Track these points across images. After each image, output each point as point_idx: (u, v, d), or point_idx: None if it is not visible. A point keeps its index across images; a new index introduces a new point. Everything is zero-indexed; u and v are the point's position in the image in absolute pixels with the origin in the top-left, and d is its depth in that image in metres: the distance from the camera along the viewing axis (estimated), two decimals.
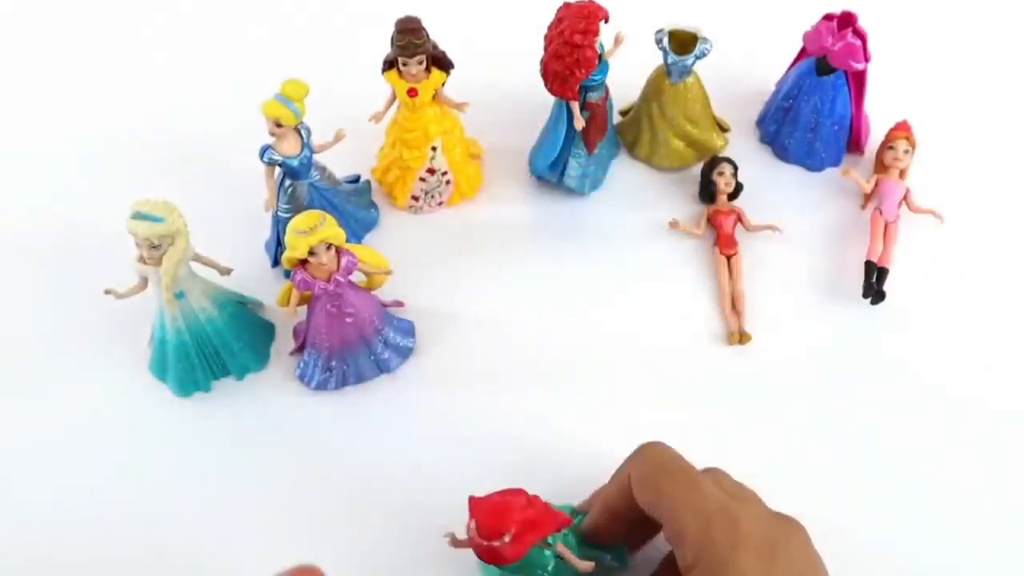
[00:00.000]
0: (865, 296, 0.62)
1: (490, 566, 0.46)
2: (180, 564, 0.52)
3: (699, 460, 0.45)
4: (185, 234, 0.55)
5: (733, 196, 0.68)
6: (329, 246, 0.55)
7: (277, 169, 0.62)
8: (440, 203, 0.70)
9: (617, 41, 0.63)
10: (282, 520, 0.54)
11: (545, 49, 0.63)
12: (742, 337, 0.61)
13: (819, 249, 0.67)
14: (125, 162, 0.74)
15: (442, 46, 0.64)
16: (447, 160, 0.68)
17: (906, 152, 0.67)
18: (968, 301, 0.64)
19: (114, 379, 0.61)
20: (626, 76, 0.69)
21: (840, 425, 0.57)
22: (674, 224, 0.68)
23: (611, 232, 0.69)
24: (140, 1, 0.90)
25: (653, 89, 0.71)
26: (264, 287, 0.64)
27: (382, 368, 0.60)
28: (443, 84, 0.65)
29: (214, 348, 0.59)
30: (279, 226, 0.63)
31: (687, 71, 0.69)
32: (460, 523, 0.46)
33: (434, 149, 0.67)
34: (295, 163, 0.61)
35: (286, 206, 0.62)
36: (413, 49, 0.62)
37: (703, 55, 0.67)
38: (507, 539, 0.41)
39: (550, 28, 0.63)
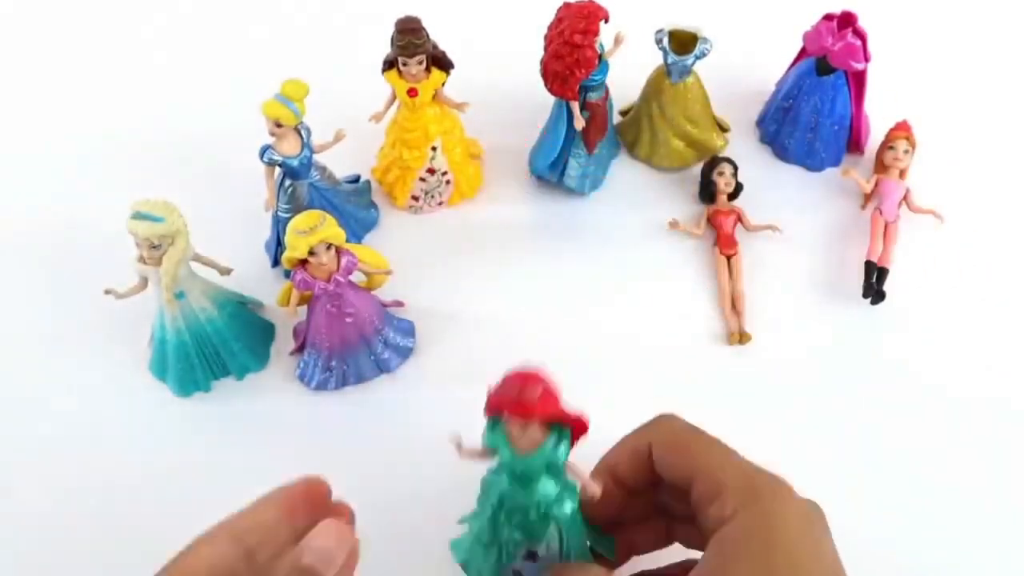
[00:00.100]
0: (865, 296, 0.62)
1: (462, 541, 0.45)
2: None
3: None
4: (185, 234, 0.55)
5: (733, 196, 0.68)
6: (329, 246, 0.55)
7: (277, 169, 0.62)
8: (440, 203, 0.70)
9: (617, 41, 0.63)
10: None
11: (545, 49, 0.63)
12: (742, 337, 0.61)
13: (819, 249, 0.67)
14: (125, 162, 0.74)
15: (442, 46, 0.64)
16: (447, 160, 0.68)
17: (906, 152, 0.67)
18: (968, 301, 0.64)
19: (114, 379, 0.61)
20: (626, 76, 0.69)
21: (840, 425, 0.57)
22: (674, 224, 0.68)
23: (611, 232, 0.69)
24: (140, 1, 0.90)
25: (653, 89, 0.71)
26: (264, 287, 0.64)
27: (382, 368, 0.60)
28: (443, 84, 0.65)
29: (214, 348, 0.59)
30: (279, 226, 0.63)
31: (687, 71, 0.69)
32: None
33: (434, 149, 0.67)
34: (295, 163, 0.61)
35: (286, 206, 0.62)
36: (413, 49, 0.62)
37: (703, 55, 0.67)
38: (538, 391, 0.37)
39: (550, 28, 0.63)
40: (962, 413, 0.58)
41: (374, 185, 0.71)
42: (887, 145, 0.68)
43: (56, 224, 0.70)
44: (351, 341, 0.58)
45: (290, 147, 0.61)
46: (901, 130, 0.68)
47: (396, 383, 0.60)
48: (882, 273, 0.63)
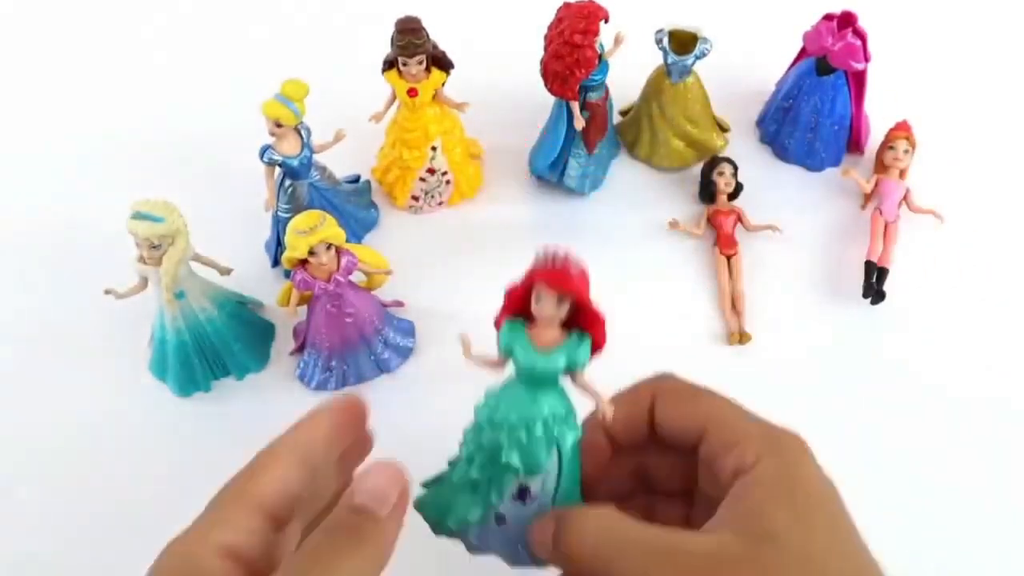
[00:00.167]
0: (865, 296, 0.62)
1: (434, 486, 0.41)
2: None
3: None
4: (185, 234, 0.55)
5: (733, 196, 0.68)
6: (329, 246, 0.55)
7: (277, 169, 0.62)
8: (440, 203, 0.70)
9: (617, 41, 0.63)
10: None
11: (545, 49, 0.63)
12: (742, 337, 0.61)
13: (819, 249, 0.67)
14: (125, 162, 0.74)
15: (442, 46, 0.64)
16: (447, 160, 0.68)
17: (906, 152, 0.67)
18: (968, 301, 0.64)
19: (114, 379, 0.61)
20: (626, 76, 0.69)
21: (840, 425, 0.57)
22: (674, 224, 0.68)
23: (611, 232, 0.69)
24: (140, 1, 0.90)
25: (653, 89, 0.71)
26: (264, 287, 0.64)
27: (382, 368, 0.60)
28: (443, 84, 0.65)
29: (214, 348, 0.59)
30: (279, 226, 0.63)
31: (687, 71, 0.69)
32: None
33: (434, 149, 0.67)
34: (295, 163, 0.61)
35: (286, 206, 0.62)
36: (413, 49, 0.62)
37: (703, 55, 0.67)
38: (577, 268, 0.35)
39: (550, 28, 0.63)
40: (962, 413, 0.58)
41: (374, 185, 0.71)
42: (887, 145, 0.68)
43: (56, 224, 0.70)
44: (351, 341, 0.58)
45: (290, 147, 0.61)
46: (901, 130, 0.68)
47: (396, 383, 0.60)
48: (882, 273, 0.63)
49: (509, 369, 0.37)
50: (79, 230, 0.69)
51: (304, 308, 0.59)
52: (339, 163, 0.66)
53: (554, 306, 0.35)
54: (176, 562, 0.31)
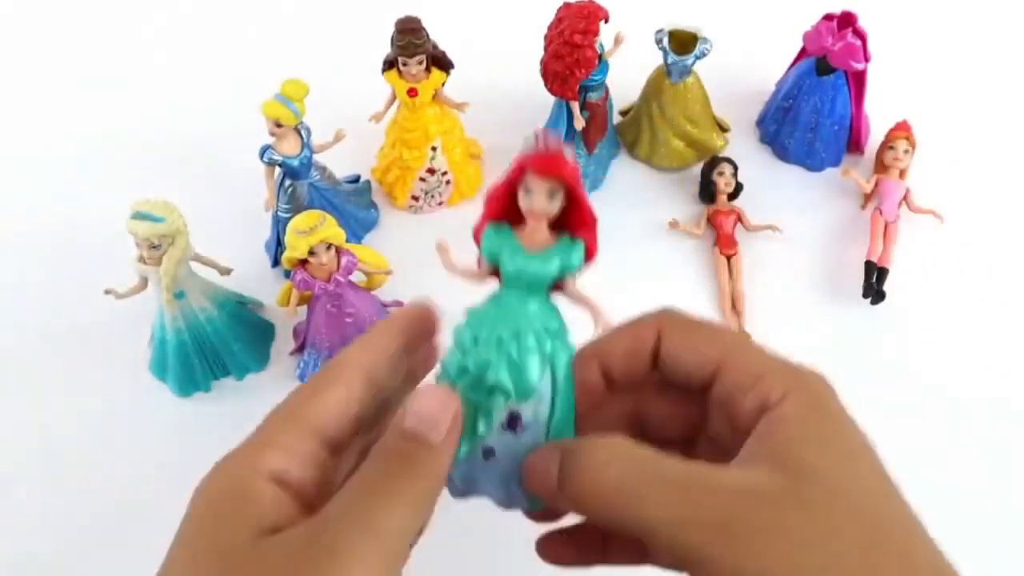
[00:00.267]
0: (865, 296, 0.62)
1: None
2: None
3: None
4: (185, 234, 0.55)
5: (733, 196, 0.68)
6: (329, 246, 0.55)
7: (277, 169, 0.62)
8: (440, 203, 0.70)
9: (617, 41, 0.63)
10: None
11: (545, 49, 0.63)
12: None
13: (819, 249, 0.67)
14: (125, 162, 0.74)
15: (442, 46, 0.64)
16: (447, 160, 0.68)
17: (906, 152, 0.67)
18: (968, 301, 0.64)
19: (114, 379, 0.61)
20: (626, 76, 0.69)
21: None
22: (674, 224, 0.68)
23: (611, 232, 0.68)
24: (140, 1, 0.90)
25: (653, 89, 0.71)
26: (264, 287, 0.64)
27: None
28: (443, 84, 0.65)
29: (214, 348, 0.59)
30: (279, 226, 0.63)
31: (687, 71, 0.69)
32: (459, 520, 0.46)
33: (434, 149, 0.67)
34: (295, 163, 0.61)
35: (286, 206, 0.62)
36: (413, 49, 0.62)
37: (703, 55, 0.67)
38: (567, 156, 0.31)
39: (550, 28, 0.63)
40: (962, 413, 0.58)
41: (374, 185, 0.71)
42: (887, 145, 0.68)
43: (56, 224, 0.70)
44: (351, 341, 0.58)
45: (290, 147, 0.61)
46: (901, 130, 0.68)
47: None
48: (882, 273, 0.63)
49: (492, 286, 0.34)
50: (79, 230, 0.69)
51: (304, 308, 0.59)
52: (339, 163, 0.66)
53: (546, 199, 0.31)
54: (224, 483, 0.29)
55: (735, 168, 0.68)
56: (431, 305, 0.36)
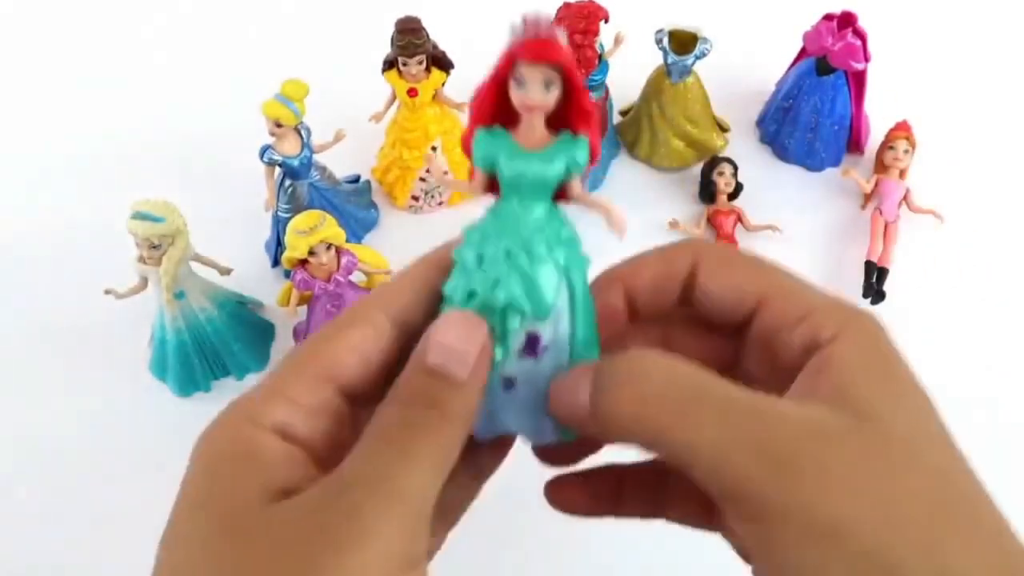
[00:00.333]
0: (865, 296, 0.62)
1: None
2: None
3: None
4: (185, 234, 0.55)
5: (733, 196, 0.68)
6: (329, 246, 0.55)
7: (277, 169, 0.62)
8: (440, 203, 0.70)
9: (617, 41, 0.63)
10: None
11: None
12: None
13: (819, 249, 0.67)
14: (125, 162, 0.74)
15: (442, 46, 0.64)
16: (447, 160, 0.68)
17: (906, 152, 0.67)
18: (968, 301, 0.64)
19: (114, 379, 0.61)
20: (626, 76, 0.69)
21: None
22: (674, 224, 0.68)
23: (611, 232, 0.68)
24: (140, 1, 0.90)
25: (653, 89, 0.71)
26: (264, 287, 0.64)
27: None
28: (443, 84, 0.65)
29: (214, 348, 0.59)
30: (279, 226, 0.63)
31: (687, 71, 0.69)
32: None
33: (434, 149, 0.67)
34: (295, 163, 0.61)
35: (286, 206, 0.62)
36: (413, 49, 0.62)
37: (703, 55, 0.67)
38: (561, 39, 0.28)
39: None
40: (962, 413, 0.58)
41: (374, 185, 0.71)
42: (887, 145, 0.68)
43: (56, 224, 0.70)
44: None
45: (290, 147, 0.61)
46: (901, 130, 0.68)
47: None
48: (882, 273, 0.63)
49: (488, 202, 0.31)
50: (79, 230, 0.69)
51: (304, 308, 0.59)
52: (339, 163, 0.66)
53: (541, 88, 0.27)
54: (224, 440, 0.26)
55: (735, 168, 0.68)
56: None
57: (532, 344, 0.28)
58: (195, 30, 0.87)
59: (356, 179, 0.70)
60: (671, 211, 0.69)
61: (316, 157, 0.63)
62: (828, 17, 0.67)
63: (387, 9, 0.64)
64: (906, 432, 0.26)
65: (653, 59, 0.70)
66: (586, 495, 0.32)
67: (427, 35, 0.62)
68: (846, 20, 0.67)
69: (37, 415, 0.59)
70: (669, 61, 0.68)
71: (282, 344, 0.62)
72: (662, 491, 0.31)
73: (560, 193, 0.29)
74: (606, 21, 0.62)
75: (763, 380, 0.30)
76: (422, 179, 0.68)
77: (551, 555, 0.52)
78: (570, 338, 0.29)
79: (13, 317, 0.64)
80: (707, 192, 0.69)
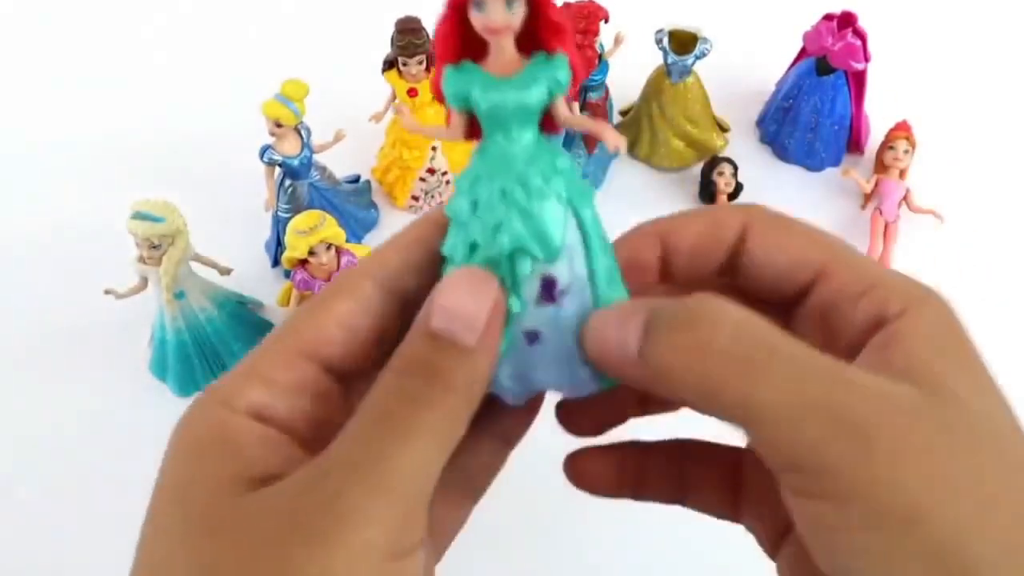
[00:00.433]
0: None
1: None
2: None
3: None
4: (185, 234, 0.55)
5: (733, 196, 0.68)
6: (329, 246, 0.55)
7: (277, 169, 0.62)
8: (440, 203, 0.70)
9: (617, 41, 0.63)
10: None
11: None
12: None
13: None
14: (125, 162, 0.74)
15: None
16: (447, 160, 0.68)
17: (906, 152, 0.67)
18: (968, 301, 0.63)
19: (114, 379, 0.61)
20: (626, 76, 0.69)
21: None
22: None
23: (611, 232, 0.67)
24: (140, 1, 0.90)
25: (653, 89, 0.71)
26: (264, 287, 0.64)
27: None
28: None
29: (214, 348, 0.59)
30: (279, 226, 0.63)
31: (687, 71, 0.69)
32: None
33: (434, 149, 0.67)
34: (295, 163, 0.61)
35: (286, 206, 0.62)
36: (413, 49, 0.62)
37: (703, 55, 0.67)
38: None
39: None
40: None
41: (374, 185, 0.71)
42: (887, 145, 0.68)
43: (56, 224, 0.70)
44: None
45: (290, 147, 0.61)
46: (901, 130, 0.68)
47: None
48: None
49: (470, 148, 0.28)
50: (79, 230, 0.69)
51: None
52: (339, 163, 0.66)
53: (502, 7, 0.25)
54: (198, 426, 0.24)
55: (735, 168, 0.68)
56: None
57: (549, 289, 0.25)
58: (195, 30, 0.87)
59: (356, 179, 0.70)
60: (671, 211, 0.68)
61: (316, 157, 0.63)
62: (828, 17, 0.67)
63: (387, 9, 0.64)
64: (981, 414, 0.23)
65: (653, 59, 0.70)
66: (609, 469, 0.29)
67: (427, 35, 0.62)
68: (846, 20, 0.67)
69: (37, 415, 0.59)
70: (669, 61, 0.68)
71: None
72: (686, 473, 0.29)
73: (547, 122, 0.27)
74: (606, 21, 0.62)
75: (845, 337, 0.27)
76: (422, 179, 0.68)
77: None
78: (590, 277, 0.26)
79: (13, 317, 0.64)
80: (707, 192, 0.69)
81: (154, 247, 0.54)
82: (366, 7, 0.84)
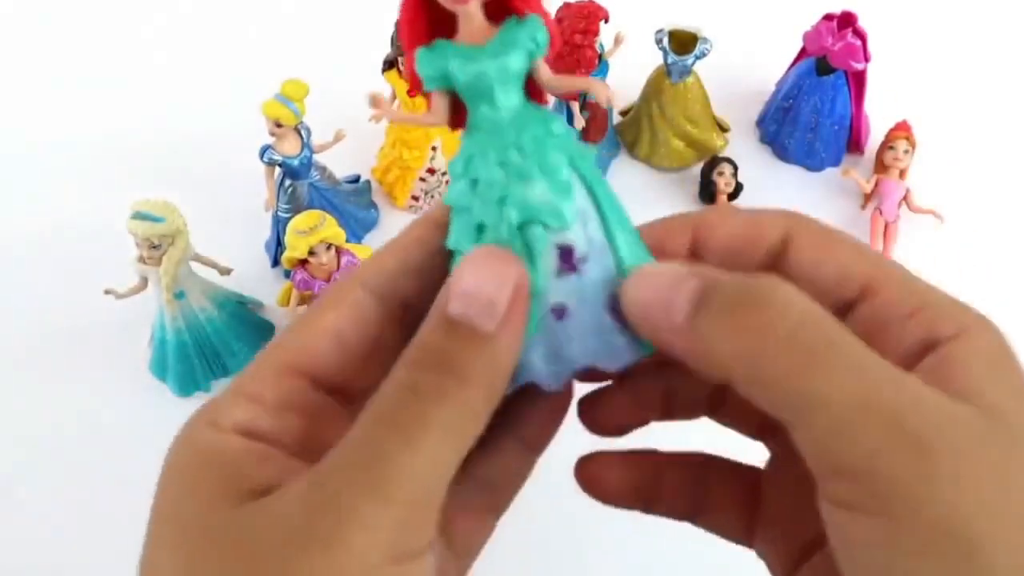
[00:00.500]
0: None
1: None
2: None
3: None
4: (185, 234, 0.55)
5: (733, 196, 0.68)
6: (329, 246, 0.55)
7: (277, 169, 0.62)
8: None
9: (617, 41, 0.63)
10: None
11: None
12: None
13: None
14: (125, 162, 0.74)
15: None
16: (447, 160, 0.68)
17: (906, 152, 0.67)
18: (968, 301, 0.63)
19: (114, 379, 0.61)
20: (626, 76, 0.69)
21: None
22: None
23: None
24: (140, 1, 0.90)
25: (653, 89, 0.71)
26: (264, 287, 0.64)
27: None
28: None
29: (214, 348, 0.59)
30: (279, 226, 0.63)
31: (687, 71, 0.69)
32: None
33: (434, 149, 0.67)
34: (295, 163, 0.61)
35: (286, 206, 0.62)
36: None
37: (703, 55, 0.67)
38: None
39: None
40: None
41: (374, 185, 0.71)
42: (887, 145, 0.68)
43: (56, 224, 0.70)
44: None
45: (290, 147, 0.61)
46: (901, 130, 0.68)
47: None
48: None
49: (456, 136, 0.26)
50: (79, 230, 0.69)
51: (304, 308, 0.59)
52: (339, 163, 0.66)
53: None
54: (187, 448, 0.22)
55: (735, 168, 0.68)
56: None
57: (567, 258, 0.24)
58: (195, 30, 0.87)
59: (356, 179, 0.70)
60: (671, 211, 0.67)
61: (316, 157, 0.63)
62: (828, 17, 0.67)
63: (387, 9, 0.64)
64: None
65: (653, 59, 0.70)
66: (623, 477, 0.28)
67: None
68: (846, 20, 0.67)
69: (37, 415, 0.59)
70: (669, 61, 0.68)
71: None
72: (703, 489, 0.28)
73: (532, 89, 0.26)
74: (606, 21, 0.62)
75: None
76: (422, 179, 0.68)
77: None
78: (609, 240, 0.25)
79: (13, 317, 0.64)
80: (707, 192, 0.69)
81: (154, 247, 0.54)
82: (366, 7, 0.84)
